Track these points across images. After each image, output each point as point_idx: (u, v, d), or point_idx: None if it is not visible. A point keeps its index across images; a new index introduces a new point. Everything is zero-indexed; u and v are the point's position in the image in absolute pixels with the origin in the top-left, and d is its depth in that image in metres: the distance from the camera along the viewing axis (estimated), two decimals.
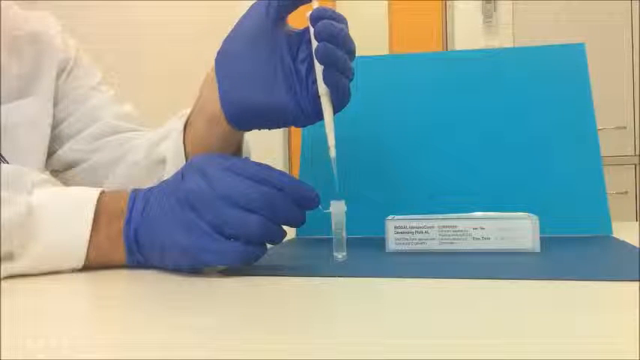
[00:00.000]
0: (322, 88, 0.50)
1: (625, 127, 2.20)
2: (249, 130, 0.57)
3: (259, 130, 0.56)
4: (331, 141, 0.50)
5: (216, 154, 0.47)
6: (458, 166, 0.66)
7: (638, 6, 2.20)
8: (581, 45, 0.68)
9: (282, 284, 0.42)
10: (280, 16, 0.52)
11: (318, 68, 0.49)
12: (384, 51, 2.33)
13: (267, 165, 0.45)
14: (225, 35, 0.54)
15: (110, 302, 0.39)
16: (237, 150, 0.61)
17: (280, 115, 0.53)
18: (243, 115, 0.54)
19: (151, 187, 0.48)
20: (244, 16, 0.53)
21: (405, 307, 0.34)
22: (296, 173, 0.69)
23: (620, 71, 2.21)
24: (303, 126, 0.55)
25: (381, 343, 0.27)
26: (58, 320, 0.34)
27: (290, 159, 2.47)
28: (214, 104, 0.54)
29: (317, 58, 0.48)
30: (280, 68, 0.52)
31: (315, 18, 0.48)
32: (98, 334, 0.31)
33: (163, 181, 0.48)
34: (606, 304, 0.34)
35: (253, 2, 0.53)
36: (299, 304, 0.36)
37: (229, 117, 0.54)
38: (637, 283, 0.37)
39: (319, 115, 0.51)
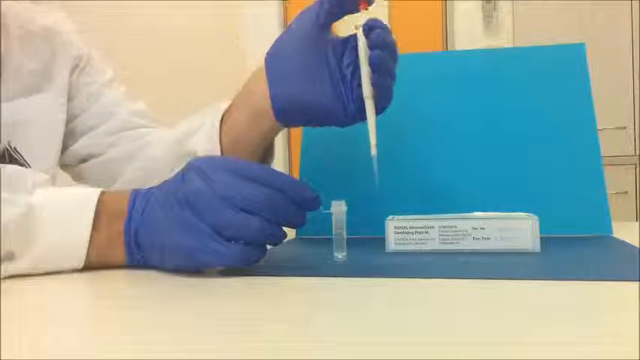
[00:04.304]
0: (368, 91, 0.53)
1: (625, 127, 2.20)
2: (291, 127, 0.61)
3: (303, 127, 0.60)
4: (373, 140, 0.53)
5: (216, 156, 0.47)
6: (458, 166, 0.66)
7: (638, 6, 2.20)
8: (581, 45, 0.68)
9: (282, 284, 0.42)
10: (328, 23, 0.55)
11: (365, 72, 0.53)
12: None
13: (267, 166, 0.45)
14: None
15: (110, 302, 0.39)
16: (269, 148, 0.64)
17: (325, 114, 0.56)
18: (290, 112, 0.57)
19: (152, 188, 0.48)
20: (295, 21, 0.56)
21: (405, 307, 0.34)
22: (296, 173, 0.69)
23: (620, 71, 2.21)
24: (344, 126, 0.57)
25: (381, 342, 0.27)
26: (58, 320, 0.34)
27: (290, 159, 2.47)
28: (263, 100, 0.57)
29: (370, 64, 0.52)
30: (327, 71, 0.55)
31: (370, 28, 0.52)
32: (98, 335, 0.31)
33: (164, 182, 0.48)
34: (606, 304, 0.34)
35: (302, 9, 0.56)
36: (299, 304, 0.36)
37: (277, 112, 0.57)
38: (637, 283, 0.37)
39: (361, 116, 0.55)
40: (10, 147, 0.63)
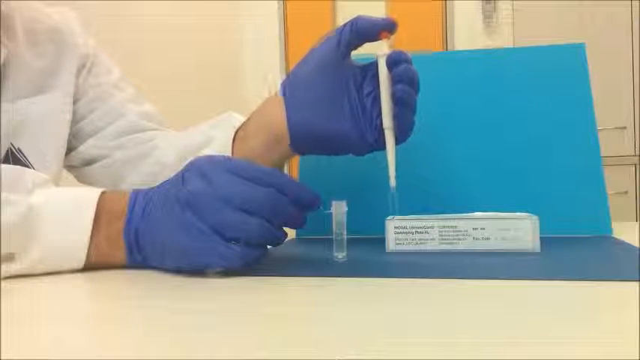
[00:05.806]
0: (388, 122, 0.53)
1: (625, 127, 2.20)
2: (306, 154, 0.60)
3: (318, 155, 0.59)
4: (392, 172, 0.53)
5: (217, 156, 0.47)
6: (458, 166, 0.66)
7: (638, 6, 2.20)
8: (581, 45, 0.67)
9: (282, 284, 0.42)
10: (348, 51, 0.54)
11: (385, 103, 0.52)
12: None
13: (267, 167, 0.45)
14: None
15: (110, 302, 0.39)
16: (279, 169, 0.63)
17: (343, 143, 0.55)
18: (307, 139, 0.56)
19: (152, 188, 0.48)
20: (315, 48, 0.56)
21: (405, 307, 0.34)
22: (296, 174, 0.69)
23: (620, 71, 2.21)
24: (362, 155, 0.56)
25: (381, 342, 0.27)
26: (58, 320, 0.34)
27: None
28: (280, 125, 0.56)
29: (395, 99, 0.52)
30: (346, 99, 0.54)
31: (394, 62, 0.52)
32: (98, 335, 0.31)
33: (164, 182, 0.48)
34: (606, 304, 0.34)
35: (325, 34, 0.55)
36: (299, 304, 0.36)
37: (294, 139, 0.56)
38: (637, 283, 0.37)
39: (380, 146, 0.54)
40: (14, 148, 0.63)
